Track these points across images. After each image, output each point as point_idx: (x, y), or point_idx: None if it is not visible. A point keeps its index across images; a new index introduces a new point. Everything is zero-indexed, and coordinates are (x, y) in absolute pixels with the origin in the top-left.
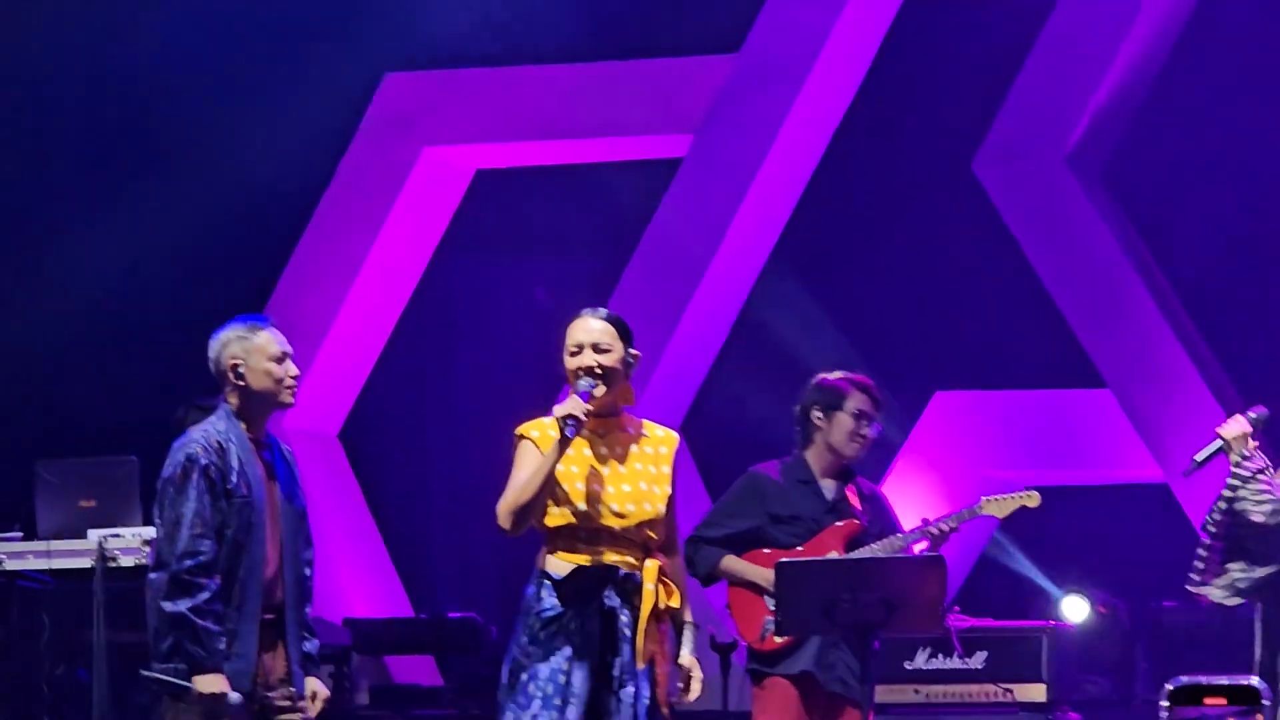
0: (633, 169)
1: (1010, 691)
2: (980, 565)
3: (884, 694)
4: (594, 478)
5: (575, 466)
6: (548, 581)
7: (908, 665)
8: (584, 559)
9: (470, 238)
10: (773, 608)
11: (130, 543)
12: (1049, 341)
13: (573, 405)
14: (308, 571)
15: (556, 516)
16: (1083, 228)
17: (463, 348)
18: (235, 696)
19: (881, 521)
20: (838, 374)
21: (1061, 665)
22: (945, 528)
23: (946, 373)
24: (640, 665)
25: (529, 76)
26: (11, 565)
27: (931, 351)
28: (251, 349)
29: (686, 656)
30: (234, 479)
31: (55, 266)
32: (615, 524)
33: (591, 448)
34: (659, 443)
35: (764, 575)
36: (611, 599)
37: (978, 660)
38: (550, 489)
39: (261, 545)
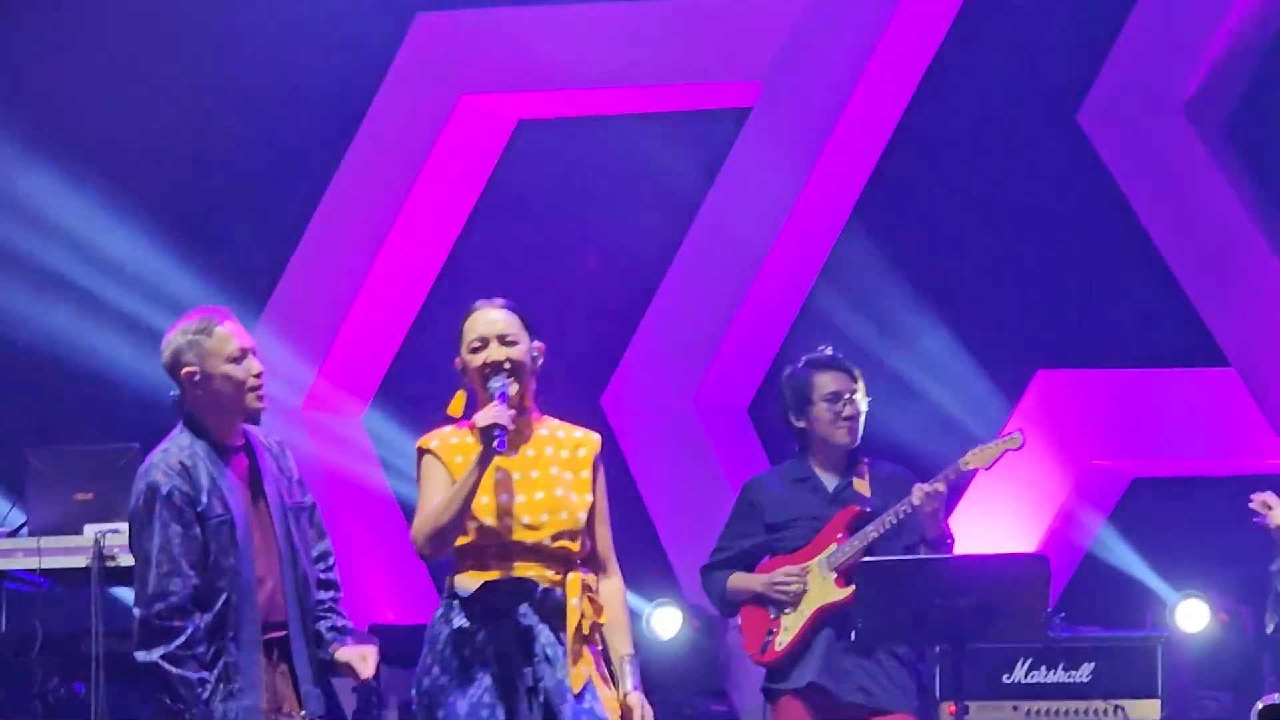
0: (694, 120)
1: (1121, 709)
2: (1086, 566)
3: (979, 711)
4: (502, 487)
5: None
6: (455, 601)
7: (1005, 679)
8: (498, 574)
9: (512, 198)
10: (775, 616)
11: None
12: (1164, 314)
13: (494, 414)
14: (322, 567)
15: (467, 532)
16: (1202, 186)
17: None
18: None
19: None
20: (798, 363)
21: (1178, 679)
22: (929, 489)
23: (1049, 350)
24: (575, 688)
25: (577, 16)
26: None
27: (1033, 326)
28: (206, 353)
29: (631, 695)
30: (204, 499)
31: (51, 233)
32: (528, 537)
33: (503, 456)
34: (577, 445)
35: (762, 580)
36: (528, 616)
37: (1084, 673)
38: (469, 509)
39: (250, 564)
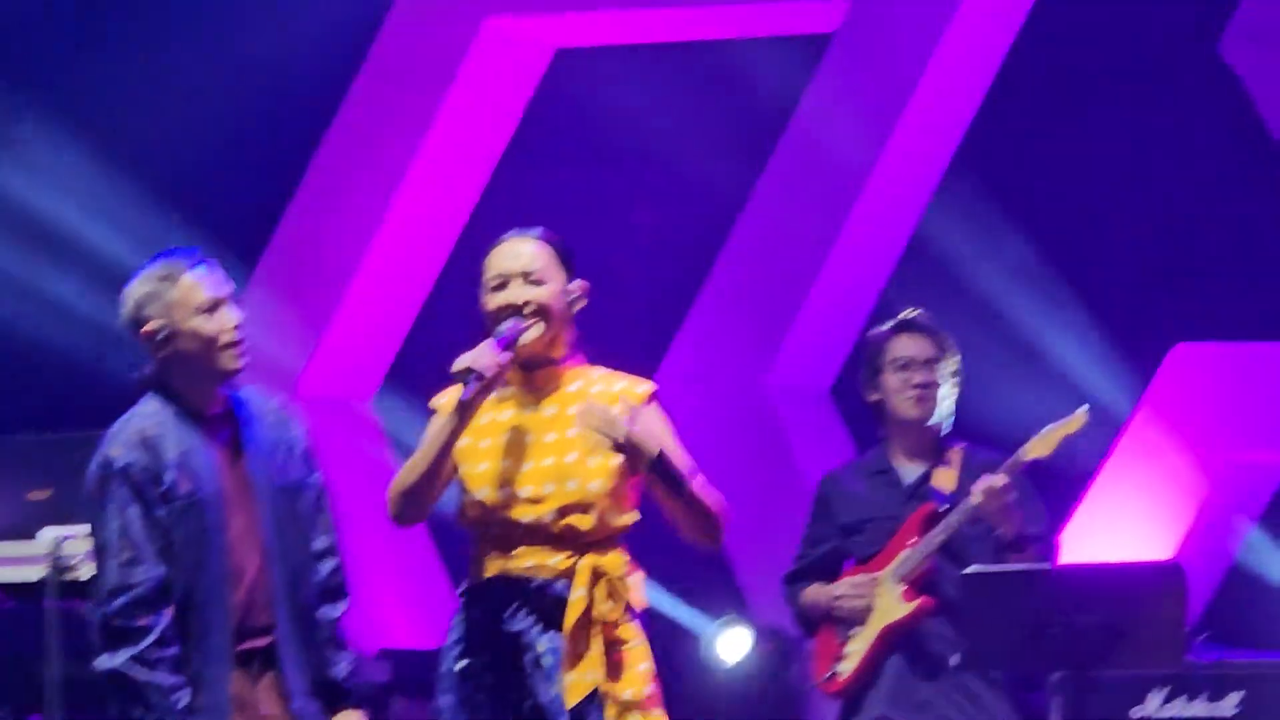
0: (766, 48)
1: None
2: (1232, 577)
3: None
4: (508, 452)
5: (489, 439)
6: (462, 604)
7: (1136, 713)
8: (497, 567)
9: (547, 142)
10: (842, 639)
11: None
12: None
13: (478, 355)
14: (323, 566)
15: (468, 508)
16: None
17: None
18: None
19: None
20: (885, 325)
21: None
22: (988, 485)
23: (1189, 320)
24: (569, 702)
25: None
26: None
27: (1169, 292)
28: (171, 304)
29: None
30: (170, 476)
31: (15, 184)
32: (526, 514)
33: (519, 413)
34: (613, 399)
35: (828, 593)
36: (519, 621)
37: (1230, 705)
38: (444, 469)
39: (223, 554)
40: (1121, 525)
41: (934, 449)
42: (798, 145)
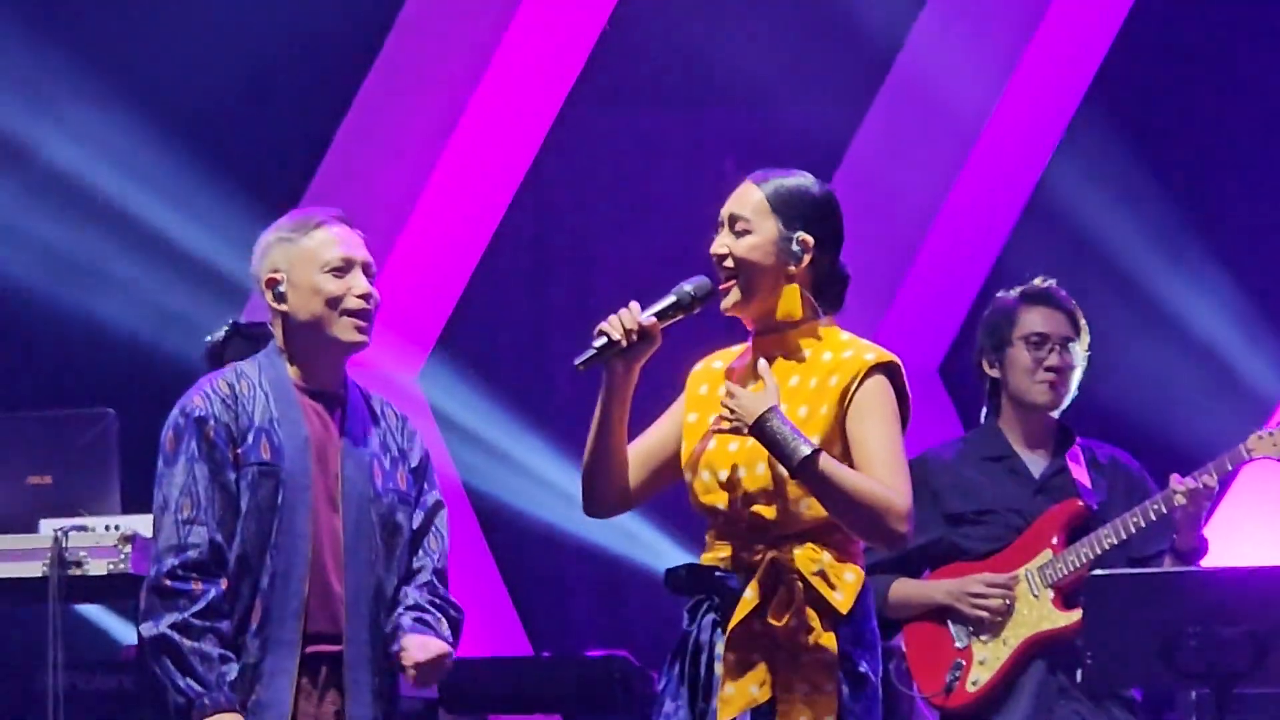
0: None
1: None
2: None
3: None
4: (700, 432)
5: (713, 415)
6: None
7: None
8: (707, 558)
9: (620, 80)
10: (963, 643)
11: (103, 539)
12: None
13: (611, 319)
14: (424, 591)
15: (692, 494)
16: None
17: (608, 245)
18: None
19: (1134, 496)
20: (1010, 291)
21: None
22: (1195, 485)
23: None
24: (726, 713)
25: None
26: None
27: None
28: (297, 257)
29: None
30: (250, 439)
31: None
32: (718, 501)
33: (713, 387)
34: (830, 371)
35: (947, 589)
36: (705, 619)
37: None
38: (609, 452)
39: (299, 539)
40: (1270, 523)
41: (1055, 438)
42: (903, 89)
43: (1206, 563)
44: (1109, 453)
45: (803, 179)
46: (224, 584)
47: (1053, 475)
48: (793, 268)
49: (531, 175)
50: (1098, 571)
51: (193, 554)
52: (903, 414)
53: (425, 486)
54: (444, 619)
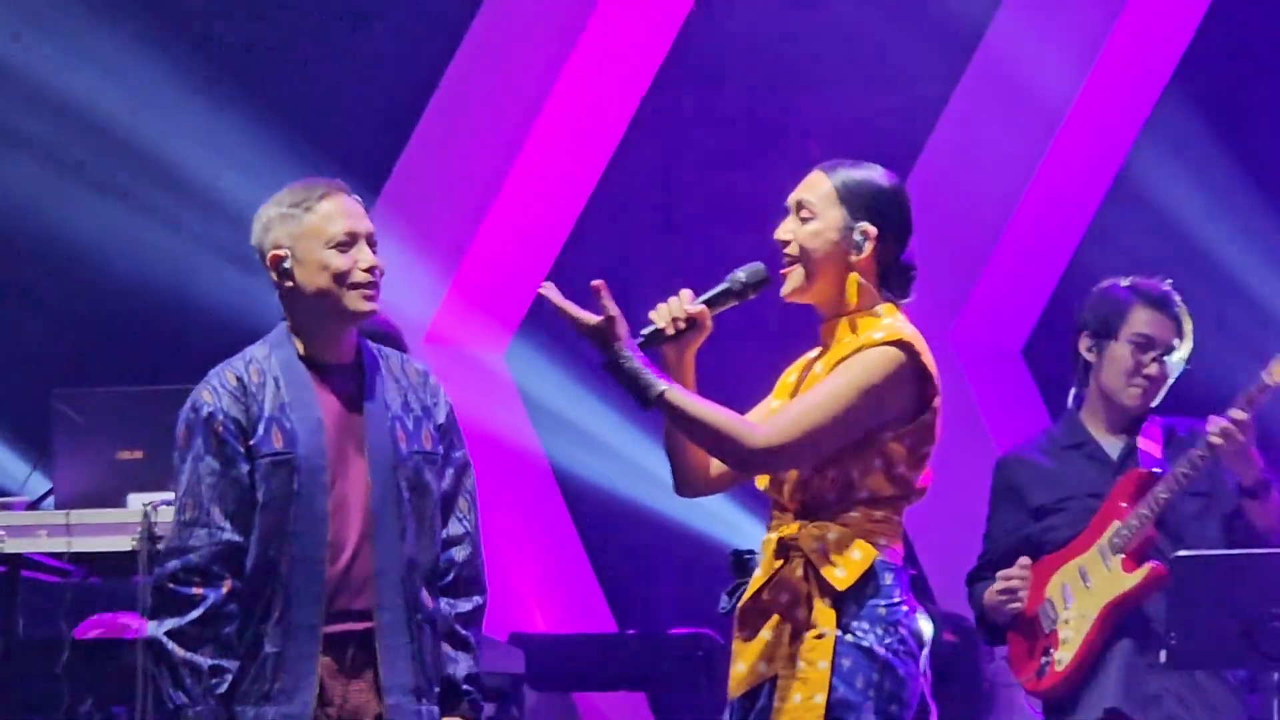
0: None
1: None
2: None
3: None
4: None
5: (778, 402)
6: None
7: None
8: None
9: (708, 59)
10: (1049, 629)
11: None
12: None
13: (659, 309)
14: (453, 554)
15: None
16: None
17: (692, 225)
18: None
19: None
20: (1126, 280)
21: None
22: (1227, 422)
23: None
24: (735, 691)
25: None
26: (15, 546)
27: None
28: (301, 233)
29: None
30: (261, 430)
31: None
32: (763, 484)
33: (796, 377)
34: (848, 350)
35: (985, 598)
36: (736, 598)
37: None
38: (677, 437)
39: (317, 521)
40: None
41: (1135, 422)
42: (986, 74)
43: None
44: (1189, 425)
45: (871, 170)
46: (227, 587)
47: (1127, 455)
48: (854, 257)
49: (618, 156)
50: (1182, 552)
51: (193, 558)
52: (921, 393)
53: (454, 442)
54: (476, 651)
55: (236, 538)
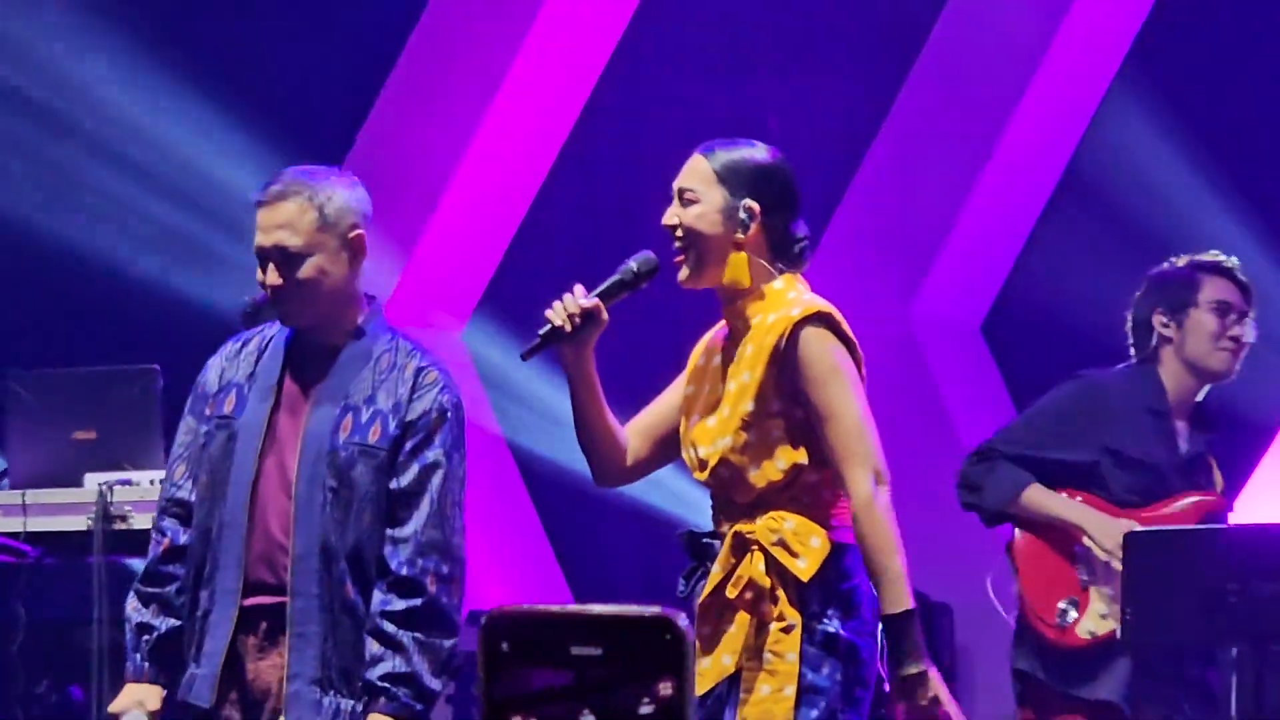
0: None
1: None
2: None
3: None
4: (695, 405)
5: (694, 388)
6: None
7: None
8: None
9: (664, 39)
10: (1085, 585)
11: (147, 493)
12: None
13: (555, 306)
14: (399, 551)
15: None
16: None
17: (650, 206)
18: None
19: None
20: (1182, 260)
21: None
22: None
23: None
24: (698, 689)
25: None
26: None
27: None
28: (366, 219)
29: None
30: (222, 394)
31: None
32: (701, 477)
33: (706, 360)
34: (767, 333)
35: (1095, 522)
36: (695, 593)
37: None
38: (591, 428)
39: (241, 488)
40: None
41: (1197, 416)
42: (945, 48)
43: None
44: (1221, 448)
45: (749, 148)
46: (165, 545)
47: (1195, 457)
48: (740, 235)
49: (574, 136)
50: (1136, 528)
51: (163, 505)
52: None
53: (427, 441)
54: (410, 652)
55: (190, 497)
